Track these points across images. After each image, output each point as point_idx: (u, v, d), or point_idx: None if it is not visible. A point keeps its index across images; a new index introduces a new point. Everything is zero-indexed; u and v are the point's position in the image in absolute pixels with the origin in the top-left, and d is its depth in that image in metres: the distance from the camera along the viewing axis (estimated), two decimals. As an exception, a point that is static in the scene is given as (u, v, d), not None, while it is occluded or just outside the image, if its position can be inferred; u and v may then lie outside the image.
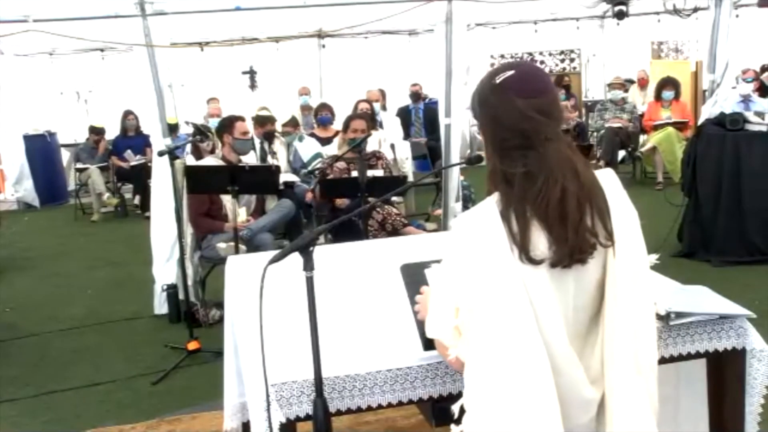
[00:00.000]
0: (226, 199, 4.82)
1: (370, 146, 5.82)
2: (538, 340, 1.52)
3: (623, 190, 1.66)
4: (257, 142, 6.95)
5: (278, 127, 7.59)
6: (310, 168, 6.80)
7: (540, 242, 1.53)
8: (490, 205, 1.58)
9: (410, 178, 7.44)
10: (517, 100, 1.56)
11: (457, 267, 1.58)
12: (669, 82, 9.11)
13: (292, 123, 7.61)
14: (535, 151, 1.55)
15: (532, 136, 1.55)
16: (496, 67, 1.66)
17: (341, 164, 5.50)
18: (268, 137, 7.03)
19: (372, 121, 6.77)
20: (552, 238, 1.53)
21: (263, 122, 7.06)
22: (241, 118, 5.36)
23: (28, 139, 10.29)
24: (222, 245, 4.81)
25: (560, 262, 1.54)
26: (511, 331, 1.53)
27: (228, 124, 5.24)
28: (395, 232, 5.06)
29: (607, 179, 1.65)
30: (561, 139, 1.59)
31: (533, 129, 1.55)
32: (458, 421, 1.62)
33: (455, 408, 1.65)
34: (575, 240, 1.53)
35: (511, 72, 1.59)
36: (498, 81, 1.59)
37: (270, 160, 6.90)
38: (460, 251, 1.58)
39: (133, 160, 9.39)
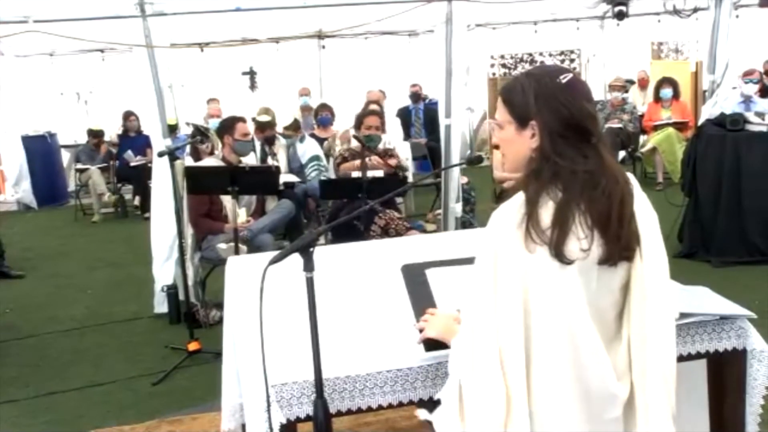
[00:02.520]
0: (226, 200, 4.82)
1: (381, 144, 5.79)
2: (520, 349, 1.55)
3: (644, 193, 1.70)
4: (257, 143, 6.95)
5: (279, 129, 7.58)
6: (308, 177, 6.79)
7: (573, 241, 1.55)
8: (513, 208, 1.59)
9: (410, 179, 7.43)
10: (583, 101, 1.63)
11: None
12: (666, 81, 9.12)
13: (294, 126, 7.59)
14: (594, 150, 1.60)
15: (593, 137, 1.61)
16: (547, 67, 1.73)
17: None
18: (269, 142, 7.02)
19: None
20: (606, 236, 1.57)
21: (263, 128, 7.03)
22: (242, 120, 5.35)
23: (28, 139, 10.29)
24: (222, 246, 4.81)
25: (609, 260, 1.58)
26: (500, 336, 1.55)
27: (229, 125, 5.24)
28: (398, 237, 5.04)
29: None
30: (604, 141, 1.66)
31: (594, 130, 1.62)
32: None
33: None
34: (627, 239, 1.59)
35: (570, 75, 1.65)
36: (564, 81, 1.62)
37: (270, 161, 6.90)
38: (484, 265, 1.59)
39: (134, 160, 9.39)
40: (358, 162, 5.29)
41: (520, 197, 1.59)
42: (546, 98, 1.62)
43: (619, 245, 1.58)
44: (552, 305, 1.56)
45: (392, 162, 5.55)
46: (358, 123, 5.54)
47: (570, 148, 1.59)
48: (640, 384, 1.63)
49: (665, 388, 1.63)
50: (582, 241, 1.55)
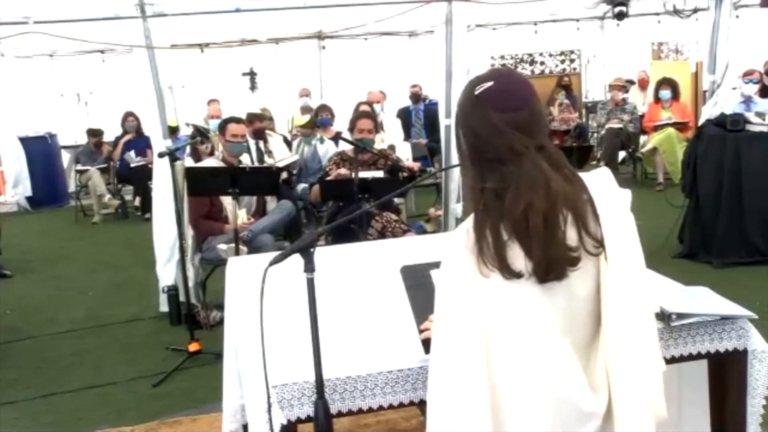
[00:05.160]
0: (227, 201, 4.82)
1: (377, 145, 5.79)
2: (480, 368, 1.50)
3: (618, 190, 1.63)
4: (252, 143, 6.92)
5: (295, 130, 7.61)
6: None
7: (517, 258, 1.51)
8: (462, 234, 1.56)
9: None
10: (492, 114, 1.53)
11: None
12: (665, 82, 9.12)
13: (311, 125, 7.62)
14: (509, 166, 1.52)
15: (505, 152, 1.52)
16: (479, 75, 1.62)
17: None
18: (257, 135, 6.99)
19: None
20: (525, 253, 1.51)
21: (251, 120, 6.99)
22: (236, 120, 5.34)
23: (28, 140, 10.30)
24: (222, 247, 4.81)
25: (537, 277, 1.52)
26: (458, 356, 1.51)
27: (223, 126, 5.25)
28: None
29: (600, 181, 1.62)
30: (542, 151, 1.54)
31: (506, 144, 1.52)
32: None
33: None
34: (542, 256, 1.50)
35: (490, 84, 1.56)
36: (477, 92, 1.56)
37: (267, 160, 6.89)
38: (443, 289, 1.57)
39: (134, 161, 9.39)
40: (343, 170, 5.24)
41: (469, 221, 1.55)
42: (462, 115, 1.60)
43: (535, 261, 1.50)
44: (515, 327, 1.51)
45: (413, 166, 5.56)
46: (352, 126, 5.52)
47: (489, 162, 1.54)
48: (616, 390, 1.55)
49: (643, 392, 1.56)
50: (528, 262, 1.51)
